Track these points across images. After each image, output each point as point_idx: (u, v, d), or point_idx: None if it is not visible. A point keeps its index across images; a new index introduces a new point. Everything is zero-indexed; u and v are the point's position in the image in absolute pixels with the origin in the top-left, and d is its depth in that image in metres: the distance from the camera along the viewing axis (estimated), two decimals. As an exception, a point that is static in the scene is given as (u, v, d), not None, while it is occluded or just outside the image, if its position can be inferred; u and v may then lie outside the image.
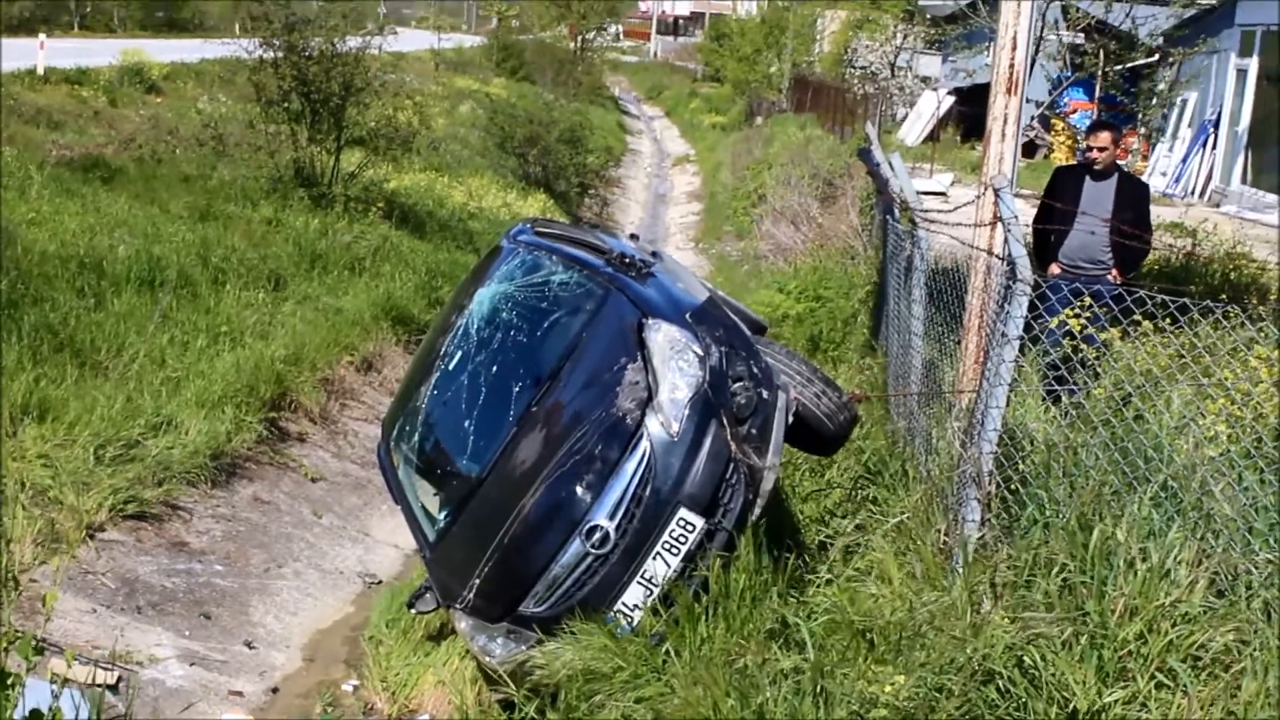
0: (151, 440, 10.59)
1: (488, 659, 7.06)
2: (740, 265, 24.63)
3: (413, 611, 8.16)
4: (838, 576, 6.81)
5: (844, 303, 15.38)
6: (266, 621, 9.50)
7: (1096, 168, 9.95)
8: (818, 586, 6.78)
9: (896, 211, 11.17)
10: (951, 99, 36.91)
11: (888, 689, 4.81)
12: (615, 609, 6.69)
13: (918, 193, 13.54)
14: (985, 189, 8.22)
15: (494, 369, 7.79)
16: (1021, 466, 6.29)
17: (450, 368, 8.09)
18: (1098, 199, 9.84)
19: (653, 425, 6.84)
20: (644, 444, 6.83)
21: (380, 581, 10.62)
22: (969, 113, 36.22)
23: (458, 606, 7.18)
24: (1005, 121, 8.55)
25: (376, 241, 18.26)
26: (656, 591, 6.64)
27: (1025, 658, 4.92)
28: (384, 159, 20.71)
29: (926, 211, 9.37)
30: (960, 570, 6.01)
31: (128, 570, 9.26)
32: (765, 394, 7.06)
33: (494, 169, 28.93)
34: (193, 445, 10.79)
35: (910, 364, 9.02)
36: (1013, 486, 6.22)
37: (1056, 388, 7.30)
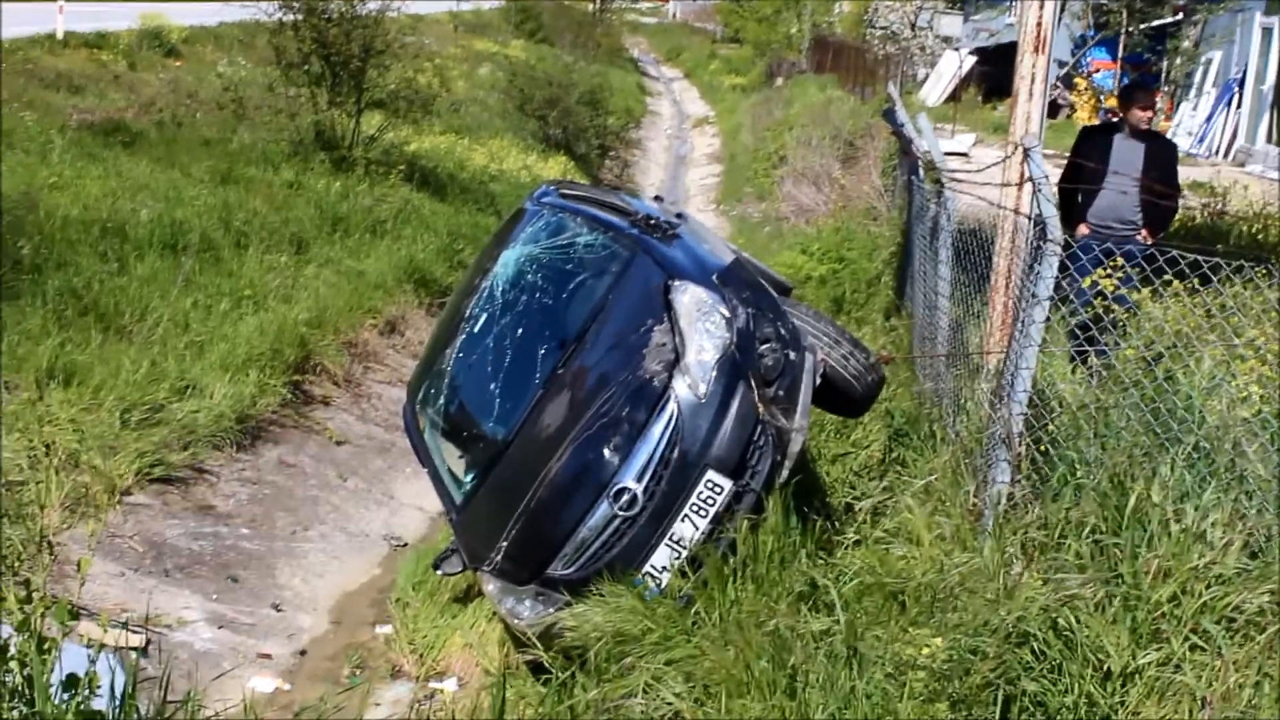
0: (176, 404, 10.63)
1: (516, 621, 7.05)
2: (761, 227, 24.53)
3: (439, 573, 8.13)
4: (866, 538, 6.80)
5: (867, 264, 15.30)
6: (293, 584, 9.53)
7: (1143, 128, 9.90)
8: (846, 548, 6.76)
9: (921, 172, 11.10)
10: (973, 59, 36.70)
11: (924, 652, 4.78)
12: (644, 571, 6.67)
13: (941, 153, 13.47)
14: (1013, 148, 8.17)
15: (519, 332, 7.76)
16: (1051, 427, 6.25)
17: (475, 330, 8.04)
18: (1127, 159, 9.75)
19: (680, 387, 6.81)
20: (671, 406, 6.79)
21: (405, 544, 10.64)
22: (991, 73, 36.01)
23: (485, 569, 7.18)
24: (1033, 80, 8.47)
25: (398, 204, 18.24)
26: (685, 553, 6.62)
27: (1060, 619, 4.90)
28: (404, 121, 20.65)
29: (953, 172, 9.29)
30: (990, 531, 5.99)
31: (155, 534, 9.29)
32: (793, 355, 7.01)
33: (514, 131, 28.83)
34: (218, 409, 10.82)
35: (937, 325, 8.97)
36: (1043, 448, 6.18)
37: (1087, 348, 7.27)
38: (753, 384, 6.83)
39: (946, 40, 41.57)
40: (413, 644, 8.67)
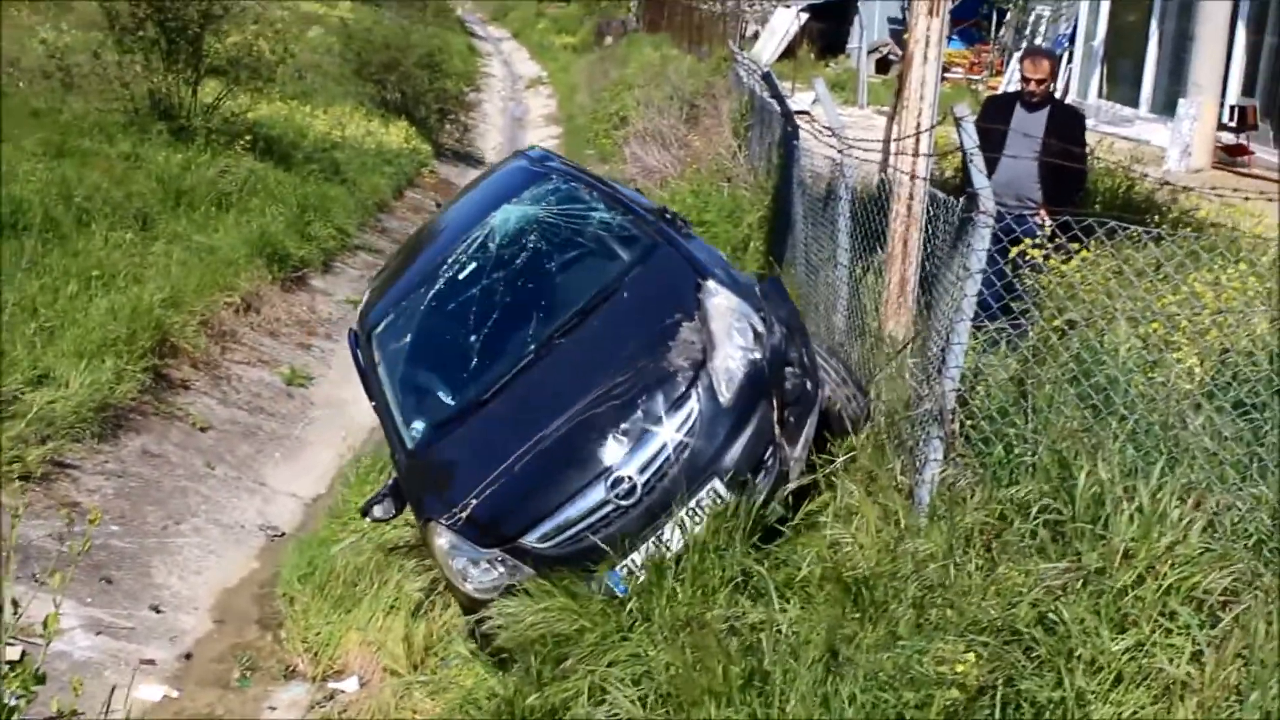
0: (31, 395, 10.04)
1: (464, 584, 6.73)
2: (609, 190, 24.21)
3: (367, 519, 7.84)
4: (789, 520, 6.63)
5: (730, 227, 15.09)
6: (171, 583, 9.07)
7: (1034, 100, 9.50)
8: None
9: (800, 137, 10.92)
10: (806, 15, 36.75)
11: (959, 668, 4.52)
12: (622, 565, 6.37)
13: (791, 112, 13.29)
14: (918, 114, 8.06)
15: (514, 290, 7.62)
16: (981, 403, 6.11)
17: (460, 277, 7.82)
18: (1027, 129, 9.41)
19: (704, 389, 6.61)
20: (692, 404, 6.58)
21: (283, 534, 10.21)
22: (825, 29, 36.19)
23: (444, 522, 6.78)
24: (927, 44, 8.36)
25: (243, 175, 17.55)
26: (667, 556, 6.26)
27: (1049, 613, 4.72)
28: (245, 89, 19.87)
29: (857, 141, 9.08)
30: (928, 511, 5.84)
31: (19, 536, 8.71)
32: (809, 385, 6.87)
33: (352, 97, 28.06)
34: (75, 398, 10.26)
35: (837, 296, 8.80)
36: (974, 424, 6.04)
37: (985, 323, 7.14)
38: (773, 403, 6.65)
39: (776, -4, 41.55)
40: (306, 642, 8.29)
